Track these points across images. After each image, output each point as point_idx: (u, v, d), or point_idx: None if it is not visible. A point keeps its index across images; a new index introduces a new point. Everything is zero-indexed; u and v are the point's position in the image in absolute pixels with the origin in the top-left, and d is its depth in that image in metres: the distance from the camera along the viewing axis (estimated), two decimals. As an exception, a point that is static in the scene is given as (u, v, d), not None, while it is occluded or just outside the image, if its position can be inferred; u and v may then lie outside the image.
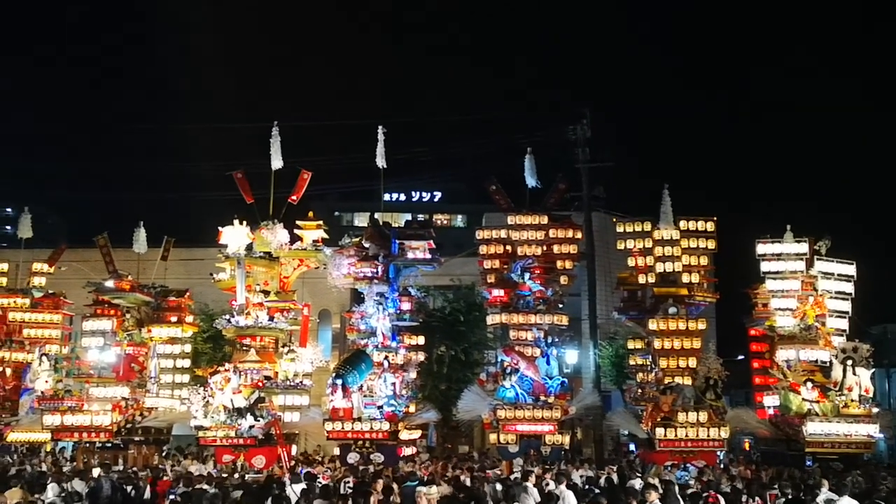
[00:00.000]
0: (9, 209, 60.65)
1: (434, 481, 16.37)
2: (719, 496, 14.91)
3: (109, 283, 27.27)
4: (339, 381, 22.98)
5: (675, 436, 22.39)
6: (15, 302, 28.99)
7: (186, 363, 28.48)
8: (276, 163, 26.66)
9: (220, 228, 26.28)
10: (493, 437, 24.58)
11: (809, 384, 23.23)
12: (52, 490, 14.23)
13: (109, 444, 25.48)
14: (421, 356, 26.25)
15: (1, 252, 32.37)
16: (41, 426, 25.35)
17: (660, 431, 22.42)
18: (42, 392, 26.72)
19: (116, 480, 17.26)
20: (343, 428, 23.33)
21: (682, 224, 25.11)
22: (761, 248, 25.26)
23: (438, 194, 61.72)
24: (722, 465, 22.13)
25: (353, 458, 22.77)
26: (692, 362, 23.93)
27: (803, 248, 25.07)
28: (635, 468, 21.66)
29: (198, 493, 15.11)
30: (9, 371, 28.69)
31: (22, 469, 19.50)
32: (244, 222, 26.21)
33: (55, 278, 30.61)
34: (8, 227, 54.74)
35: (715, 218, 25.33)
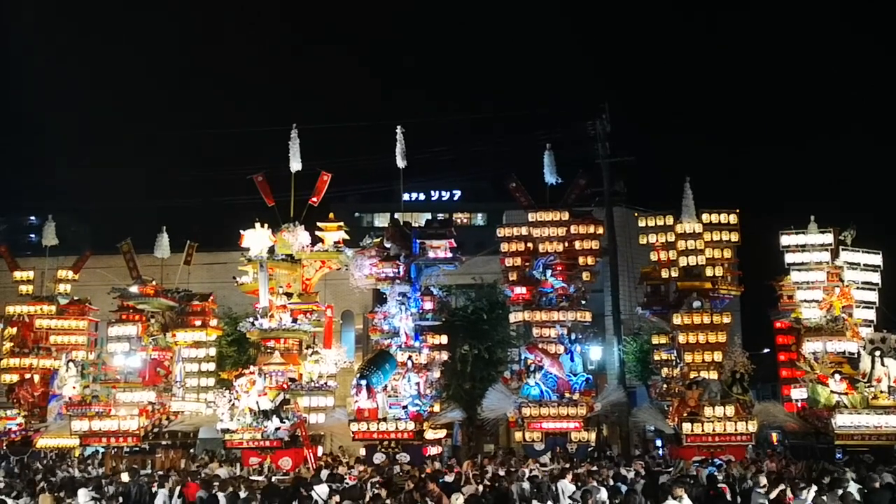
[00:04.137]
0: (33, 218, 61.19)
1: (460, 482, 16.37)
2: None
3: (134, 289, 27.49)
4: (363, 382, 23.04)
5: (703, 430, 22.22)
6: (41, 309, 29.33)
7: (211, 367, 28.67)
8: (296, 165, 26.78)
9: (241, 232, 26.47)
10: (518, 435, 24.54)
11: (837, 376, 22.95)
12: (82, 495, 14.33)
13: (137, 449, 25.67)
14: (444, 355, 26.22)
15: (26, 260, 32.62)
16: (69, 432, 25.59)
17: (686, 426, 22.27)
18: (70, 398, 27.01)
19: (145, 483, 17.37)
20: (368, 428, 23.38)
21: (705, 217, 24.95)
22: (785, 240, 25.00)
23: (458, 193, 61.65)
24: (750, 459, 21.93)
25: (378, 458, 22.80)
26: (718, 356, 23.75)
27: (828, 238, 24.77)
28: (660, 464, 21.52)
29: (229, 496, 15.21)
30: (37, 378, 29.03)
31: (50, 475, 19.63)
32: (266, 225, 26.38)
33: (80, 285, 30.90)
34: (32, 236, 55.21)
35: (738, 210, 25.13)
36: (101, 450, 25.88)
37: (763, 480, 14.49)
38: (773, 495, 13.92)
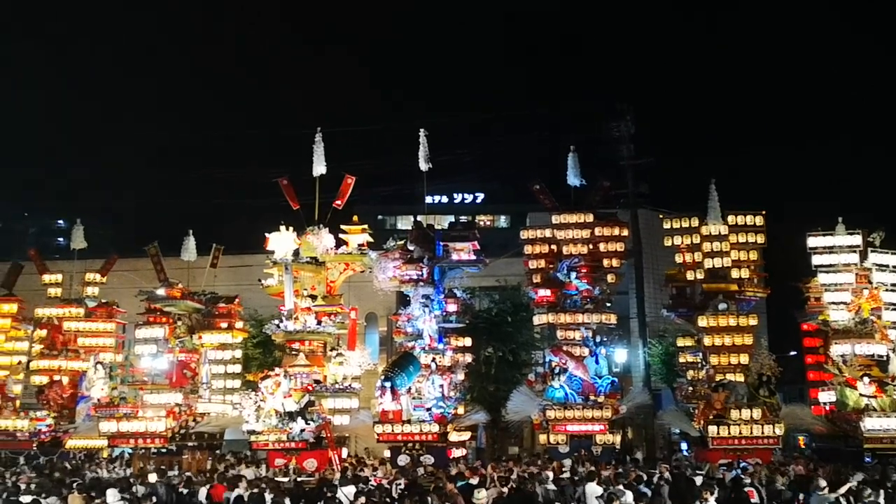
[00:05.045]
0: (60, 221, 61.93)
1: (484, 484, 16.36)
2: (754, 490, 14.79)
3: (161, 291, 27.76)
4: (387, 384, 23.15)
5: (729, 433, 22.11)
6: (70, 312, 29.69)
7: (237, 368, 28.87)
8: (320, 168, 26.92)
9: (267, 235, 26.66)
10: (543, 438, 24.49)
11: (866, 379, 22.75)
12: (111, 495, 14.48)
13: (164, 450, 25.90)
14: (468, 358, 26.25)
15: (55, 263, 33.05)
16: (98, 433, 25.88)
17: (713, 429, 22.16)
18: (98, 399, 27.31)
19: (173, 485, 17.53)
20: (393, 430, 23.44)
21: (731, 219, 24.79)
22: (812, 242, 24.77)
23: (481, 195, 61.58)
24: (777, 463, 21.74)
25: (403, 460, 22.87)
26: (744, 359, 23.57)
27: (856, 240, 24.49)
28: (685, 468, 21.38)
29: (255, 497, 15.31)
30: (65, 379, 29.40)
31: (79, 476, 19.84)
32: (291, 228, 26.55)
33: (108, 288, 31.27)
34: (60, 239, 55.89)
35: (764, 212, 24.95)
36: (128, 451, 26.14)
37: (822, 482, 14.35)
38: (842, 490, 13.80)
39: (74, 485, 16.21)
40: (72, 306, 29.83)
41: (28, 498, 14.68)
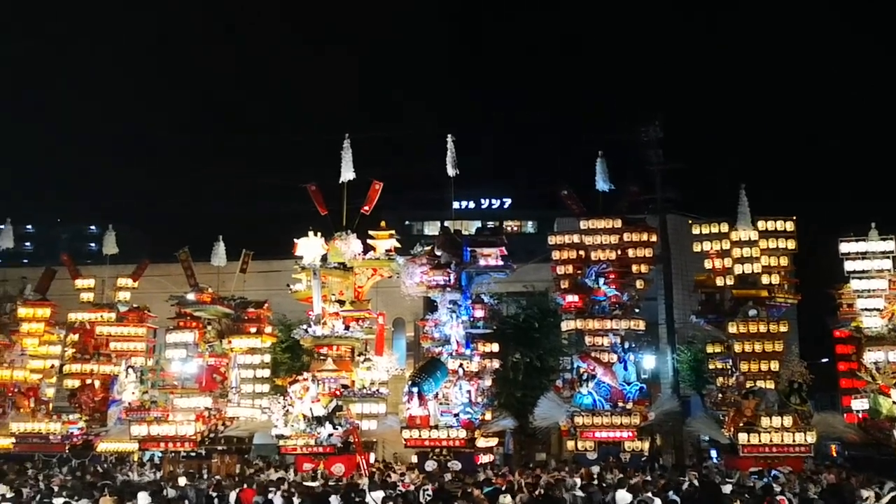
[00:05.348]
0: (93, 227, 62.82)
1: (512, 490, 16.30)
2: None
3: (191, 296, 28.00)
4: (415, 389, 23.17)
5: (759, 441, 21.86)
6: (102, 316, 30.02)
7: (266, 373, 29.08)
8: (348, 174, 27.02)
9: (295, 240, 26.82)
10: (570, 444, 24.41)
11: (901, 386, 22.41)
12: (142, 498, 14.63)
13: (193, 454, 26.10)
14: (496, 363, 26.21)
15: (87, 268, 33.46)
16: (129, 436, 26.12)
17: (743, 437, 21.93)
18: (129, 403, 27.57)
19: (202, 489, 17.66)
20: (420, 436, 23.46)
21: (761, 224, 24.59)
22: (845, 247, 24.50)
23: (508, 201, 61.54)
24: (808, 472, 21.47)
25: (430, 465, 22.87)
26: (774, 366, 23.36)
27: (889, 245, 24.22)
28: (714, 475, 21.17)
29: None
30: (97, 383, 29.71)
31: (110, 479, 20.05)
32: (319, 234, 26.69)
33: (139, 292, 31.58)
34: (92, 245, 56.73)
35: (794, 217, 24.70)
36: (158, 454, 26.37)
37: (865, 493, 14.18)
38: (885, 500, 13.62)
39: (106, 488, 16.38)
40: (104, 311, 30.15)
41: (60, 500, 14.90)
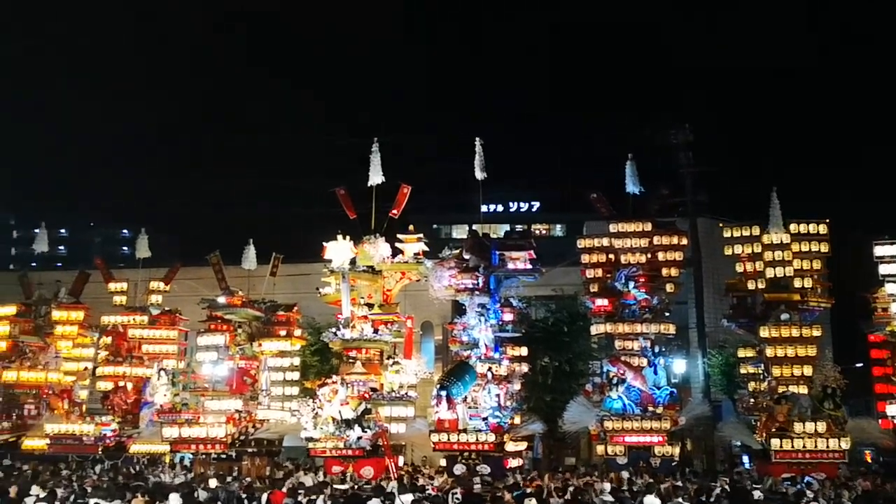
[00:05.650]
0: (125, 231, 63.64)
1: (541, 495, 16.26)
2: None
3: (222, 300, 28.26)
4: (443, 393, 23.16)
5: (792, 447, 21.61)
6: (134, 319, 30.40)
7: (295, 376, 29.23)
8: (377, 178, 27.10)
9: (324, 244, 26.95)
10: (600, 449, 24.26)
11: (936, 392, 22.04)
12: (174, 500, 14.76)
13: (224, 456, 26.29)
14: (524, 367, 26.14)
15: (120, 272, 33.91)
16: (160, 438, 26.40)
17: (775, 442, 21.70)
18: (161, 405, 27.82)
19: (233, 490, 17.79)
20: (449, 439, 23.45)
21: (793, 227, 24.32)
22: (879, 250, 24.20)
23: (537, 204, 61.38)
24: (842, 478, 21.17)
25: (459, 469, 22.85)
26: (807, 370, 23.07)
27: (926, 248, 23.84)
28: (745, 481, 20.97)
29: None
30: (130, 385, 30.11)
31: (142, 480, 20.26)
32: (347, 237, 26.80)
33: (171, 296, 31.89)
34: (125, 248, 57.38)
35: (828, 220, 24.39)
36: (189, 456, 26.61)
37: None
38: None
39: (138, 489, 16.55)
40: (136, 314, 30.52)
41: (93, 500, 15.06)
